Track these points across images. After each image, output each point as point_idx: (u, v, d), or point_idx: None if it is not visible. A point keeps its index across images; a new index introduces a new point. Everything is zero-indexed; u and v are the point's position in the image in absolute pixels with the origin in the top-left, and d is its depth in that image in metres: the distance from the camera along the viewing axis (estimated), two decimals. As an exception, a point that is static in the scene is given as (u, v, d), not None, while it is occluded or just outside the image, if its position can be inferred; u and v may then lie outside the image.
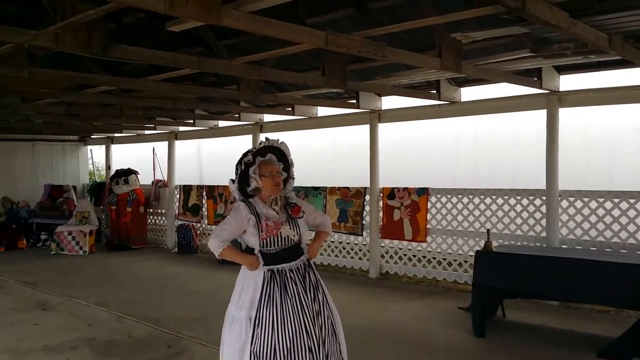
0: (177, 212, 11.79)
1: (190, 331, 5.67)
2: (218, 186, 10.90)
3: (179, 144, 12.13)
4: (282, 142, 3.55)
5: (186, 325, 5.91)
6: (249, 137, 10.31)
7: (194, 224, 11.34)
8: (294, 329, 3.27)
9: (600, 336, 5.26)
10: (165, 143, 12.16)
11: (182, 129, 11.71)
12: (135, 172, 12.14)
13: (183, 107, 8.55)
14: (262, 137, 3.57)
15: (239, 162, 3.43)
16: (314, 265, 3.61)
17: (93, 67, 5.84)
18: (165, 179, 12.22)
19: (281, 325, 3.25)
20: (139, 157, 13.46)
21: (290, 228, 3.42)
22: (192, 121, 10.68)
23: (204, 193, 11.19)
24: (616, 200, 6.40)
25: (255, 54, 5.03)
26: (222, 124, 10.89)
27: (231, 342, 3.35)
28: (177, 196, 11.84)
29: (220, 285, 8.05)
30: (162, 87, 6.22)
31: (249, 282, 3.37)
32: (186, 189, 11.61)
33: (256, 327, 3.27)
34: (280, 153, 3.54)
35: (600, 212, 6.51)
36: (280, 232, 3.36)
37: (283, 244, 3.39)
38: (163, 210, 12.28)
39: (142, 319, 6.16)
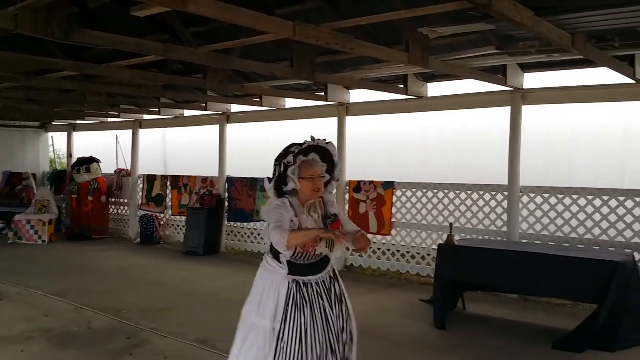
0: (140, 202, 11.59)
1: (152, 322, 5.59)
2: (183, 176, 10.76)
3: (143, 133, 11.88)
4: (329, 142, 3.21)
5: (147, 316, 5.83)
6: (216, 128, 10.21)
7: (157, 214, 11.17)
8: (319, 346, 3.07)
9: (557, 328, 5.39)
10: (130, 131, 11.92)
11: (146, 117, 11.49)
12: (97, 161, 11.88)
13: (148, 95, 8.38)
14: (308, 136, 3.20)
15: (278, 162, 3.11)
16: (338, 274, 3.38)
17: (55, 52, 5.66)
18: (129, 168, 11.98)
19: (308, 341, 3.05)
20: (102, 145, 13.16)
21: (327, 246, 3.17)
22: (157, 109, 10.50)
23: (169, 183, 11.03)
24: (575, 197, 6.58)
25: (222, 43, 4.97)
26: (188, 113, 10.73)
27: (250, 350, 3.13)
28: (141, 186, 11.65)
29: (183, 277, 7.99)
30: (126, 73, 6.09)
31: (271, 289, 3.13)
32: (150, 179, 11.42)
33: (280, 340, 3.05)
34: (325, 153, 3.21)
35: (560, 208, 6.68)
36: (316, 250, 3.13)
37: (314, 259, 3.18)
38: (126, 200, 12.06)
39: (101, 310, 6.05)
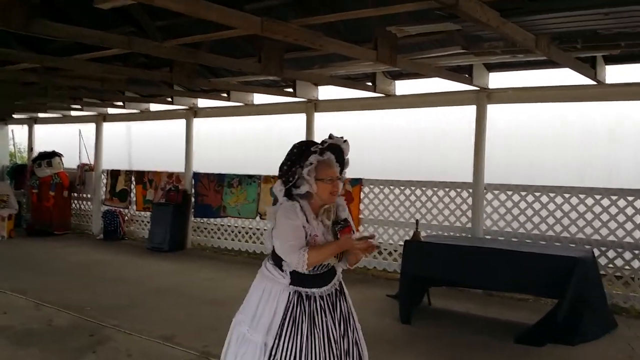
0: (103, 197, 11.37)
1: (115, 320, 5.49)
2: (148, 171, 10.59)
3: (107, 127, 11.64)
4: (345, 141, 2.85)
5: (111, 313, 5.72)
6: (183, 122, 10.07)
7: (121, 209, 10.98)
8: None
9: (519, 323, 5.51)
10: (93, 125, 11.64)
11: (110, 111, 11.26)
12: (59, 155, 11.59)
13: (112, 89, 8.21)
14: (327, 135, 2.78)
15: (294, 161, 2.77)
16: (345, 289, 3.04)
17: (12, 43, 5.49)
18: (92, 162, 11.72)
19: None
20: (64, 139, 12.85)
21: (335, 256, 2.84)
22: (121, 103, 10.28)
23: (133, 178, 10.84)
24: (537, 194, 6.73)
25: (189, 37, 4.89)
26: (153, 107, 10.56)
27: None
28: (104, 181, 11.42)
29: (148, 273, 7.88)
30: (89, 66, 5.95)
31: (268, 300, 2.80)
32: (114, 174, 11.20)
33: (272, 358, 2.70)
34: (339, 153, 2.85)
35: (523, 205, 6.83)
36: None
37: (321, 269, 2.84)
38: (89, 195, 11.82)
39: (63, 307, 5.90)
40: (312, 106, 8.37)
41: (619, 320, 5.59)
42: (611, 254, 6.27)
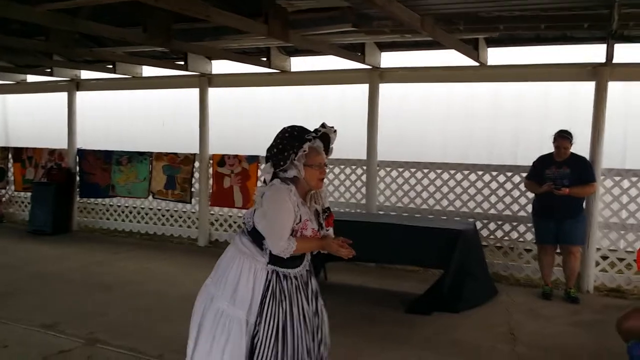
0: (-23, 176, 10.37)
1: (-9, 309, 5.09)
2: (27, 148, 9.77)
3: (-22, 99, 10.61)
4: (335, 130, 2.89)
5: (-16, 303, 5.28)
6: (64, 95, 9.36)
7: (-2, 190, 10.09)
8: (296, 346, 2.82)
9: (409, 293, 5.75)
10: (-39, 97, 10.57)
11: (-19, 82, 10.23)
12: None
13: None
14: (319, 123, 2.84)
15: (285, 145, 2.77)
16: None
17: None
18: (-38, 138, 10.66)
19: (287, 339, 2.79)
20: None
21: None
22: (-6, 74, 9.38)
23: (10, 155, 9.97)
24: (426, 171, 7.03)
25: (64, 2, 4.49)
26: (31, 78, 9.71)
27: (221, 339, 2.78)
28: (-23, 159, 10.41)
29: (28, 258, 7.34)
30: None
31: (249, 277, 2.81)
32: (-12, 151, 10.24)
33: (255, 337, 2.76)
34: (326, 141, 2.89)
35: (412, 181, 7.10)
36: None
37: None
38: (-41, 175, 10.73)
39: None
40: (206, 81, 8.10)
41: (499, 287, 6.00)
42: (492, 226, 6.71)
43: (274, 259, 2.82)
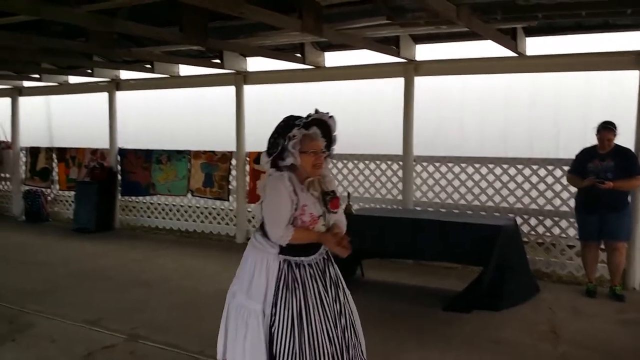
0: (23, 176, 10.73)
1: (37, 305, 5.24)
2: (70, 148, 10.06)
3: (23, 101, 10.93)
4: (331, 116, 2.97)
5: (32, 298, 5.46)
6: (105, 95, 9.58)
7: (43, 189, 10.41)
8: (316, 332, 2.84)
9: (448, 290, 5.66)
10: (8, 100, 10.90)
11: (26, 84, 10.55)
12: (-28, 132, 10.83)
13: (25, 60, 7.66)
14: (312, 109, 2.93)
15: (280, 134, 2.87)
16: (332, 256, 3.11)
17: None
18: (9, 140, 11.01)
19: (304, 327, 2.82)
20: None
21: (324, 224, 2.95)
22: (38, 76, 9.66)
23: (54, 156, 10.28)
24: (463, 165, 6.90)
25: (103, 3, 4.57)
26: (73, 79, 9.97)
27: (241, 331, 2.89)
28: (24, 159, 10.76)
29: (72, 255, 7.56)
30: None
31: (261, 270, 2.90)
32: (33, 152, 10.58)
33: (272, 326, 2.83)
34: (325, 127, 2.97)
35: (450, 176, 6.98)
36: (314, 228, 2.90)
37: None
38: (7, 175, 11.13)
39: (-22, 294, 5.57)
40: (241, 78, 8.16)
41: (541, 285, 5.84)
42: (533, 221, 6.53)
43: (285, 249, 2.88)
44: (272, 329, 2.83)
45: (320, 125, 2.93)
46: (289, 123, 2.87)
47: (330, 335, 2.90)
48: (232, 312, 2.95)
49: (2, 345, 4.31)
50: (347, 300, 3.09)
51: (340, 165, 7.75)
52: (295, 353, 2.79)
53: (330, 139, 3.00)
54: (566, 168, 5.95)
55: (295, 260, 2.90)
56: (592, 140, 5.52)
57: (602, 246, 5.66)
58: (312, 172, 2.91)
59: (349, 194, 6.66)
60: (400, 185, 7.24)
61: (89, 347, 4.27)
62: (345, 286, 3.11)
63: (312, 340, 2.83)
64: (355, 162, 7.63)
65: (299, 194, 2.85)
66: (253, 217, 8.43)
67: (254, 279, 2.90)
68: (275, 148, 2.86)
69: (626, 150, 5.44)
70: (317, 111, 2.91)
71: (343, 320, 2.99)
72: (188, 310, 5.19)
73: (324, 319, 2.89)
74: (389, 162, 7.37)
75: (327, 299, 2.94)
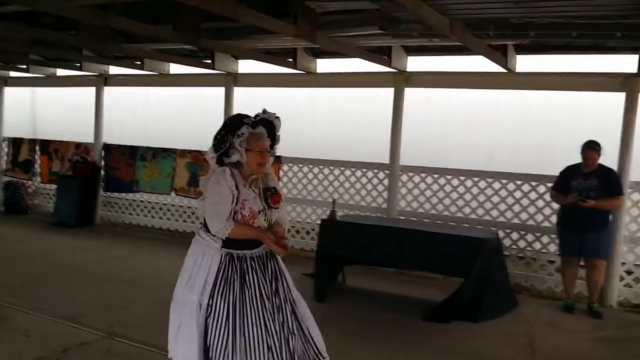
0: (5, 167, 10.58)
1: (14, 298, 5.17)
2: (54, 141, 9.95)
3: (8, 91, 10.79)
4: (277, 117, 3.05)
5: (9, 291, 5.38)
6: (92, 90, 9.50)
7: (24, 181, 10.28)
8: (251, 323, 2.91)
9: (428, 301, 5.68)
10: (-7, 89, 10.76)
11: (12, 74, 10.42)
12: (-47, 121, 10.64)
13: (13, 50, 7.56)
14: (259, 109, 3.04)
15: (227, 131, 2.95)
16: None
17: None
18: (-8, 130, 10.86)
19: (238, 318, 2.89)
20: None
21: (265, 219, 3.02)
22: (25, 66, 9.54)
23: (37, 148, 10.16)
24: (449, 177, 6.95)
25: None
26: (61, 72, 9.86)
27: (175, 323, 2.99)
28: (5, 150, 10.61)
29: (52, 249, 7.46)
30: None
31: (202, 263, 2.98)
32: (16, 142, 10.44)
33: (208, 316, 2.90)
34: (271, 128, 3.02)
35: (435, 187, 7.03)
36: (253, 223, 2.96)
37: None
38: (-12, 165, 10.97)
39: (-48, 285, 5.47)
40: (232, 79, 8.14)
41: (521, 299, 5.90)
42: (515, 236, 6.60)
43: (228, 242, 2.96)
44: (208, 320, 2.90)
45: (267, 125, 3.00)
46: (237, 121, 2.97)
47: (268, 326, 2.94)
48: (172, 307, 3.04)
49: (-25, 338, 4.24)
50: (291, 294, 3.15)
51: (326, 171, 7.76)
52: (229, 343, 2.86)
53: (274, 139, 3.06)
54: (550, 184, 6.03)
55: (237, 254, 2.98)
56: (576, 158, 5.60)
57: (582, 263, 5.74)
58: (257, 169, 2.99)
59: (334, 200, 6.68)
60: (385, 194, 7.27)
61: (65, 343, 4.21)
62: (290, 281, 3.17)
63: (246, 332, 2.89)
64: (342, 168, 7.65)
65: (240, 189, 2.93)
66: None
67: (194, 272, 2.98)
68: (223, 144, 2.95)
69: (609, 170, 5.54)
70: (265, 111, 3.01)
71: (282, 315, 3.05)
72: (167, 309, 5.13)
73: (262, 311, 2.94)
74: (375, 171, 7.40)
75: (266, 292, 3.00)
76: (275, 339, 2.94)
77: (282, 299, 3.08)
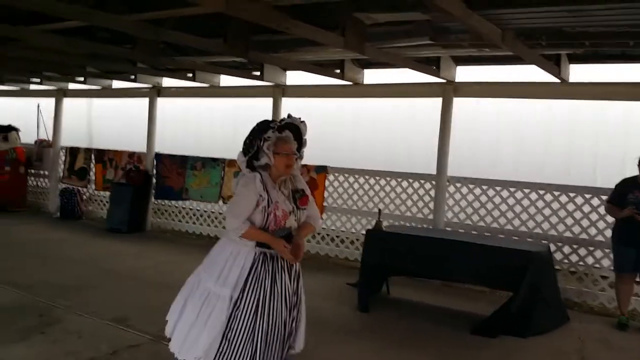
0: (61, 174, 11.04)
1: (67, 300, 5.35)
2: (109, 150, 10.32)
3: (67, 102, 11.27)
4: (303, 121, 3.24)
5: (63, 294, 5.57)
6: (146, 101, 9.82)
7: (80, 188, 10.68)
8: (275, 319, 3.11)
9: (475, 314, 5.58)
10: (52, 100, 11.24)
11: (71, 86, 10.89)
12: (16, 129, 11.17)
13: (72, 63, 7.91)
14: (285, 113, 3.25)
15: (255, 136, 3.11)
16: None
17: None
18: (50, 138, 11.35)
19: (265, 312, 3.07)
20: (21, 113, 12.39)
21: (295, 220, 3.19)
22: (82, 79, 9.96)
23: (93, 156, 10.55)
24: (498, 188, 6.81)
25: (151, 12, 4.72)
26: (116, 84, 10.25)
27: (206, 311, 3.12)
28: (63, 158, 11.07)
29: (104, 254, 7.70)
30: (48, 38, 5.69)
31: (235, 260, 3.13)
32: (73, 151, 10.87)
33: (236, 308, 3.08)
34: (297, 132, 3.21)
35: (483, 198, 6.91)
36: (285, 223, 3.13)
37: (283, 231, 3.18)
38: (46, 172, 11.47)
39: (11, 285, 5.71)
40: (280, 91, 8.26)
41: (572, 314, 5.72)
42: (567, 249, 6.40)
43: (262, 242, 3.11)
44: (235, 311, 3.07)
45: (293, 129, 3.16)
46: (264, 126, 3.12)
47: (286, 322, 3.18)
48: (197, 294, 3.18)
49: (30, 337, 4.40)
50: (303, 295, 3.36)
51: (372, 181, 7.75)
52: (253, 331, 3.05)
53: (301, 142, 3.23)
54: (604, 197, 5.83)
55: (270, 252, 3.12)
56: (631, 170, 5.40)
57: (638, 279, 5.52)
58: (284, 171, 3.15)
59: (380, 210, 6.66)
60: (431, 205, 7.19)
61: (115, 345, 4.33)
62: (302, 278, 3.37)
63: (269, 325, 3.08)
64: (388, 179, 7.62)
65: (270, 192, 3.09)
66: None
67: (227, 268, 3.13)
68: (252, 148, 3.11)
69: (668, 182, 5.32)
70: (289, 116, 3.20)
71: (295, 312, 3.27)
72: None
73: (284, 308, 3.15)
74: (422, 181, 7.33)
75: (289, 291, 3.20)
76: (287, 334, 3.21)
77: (299, 298, 3.30)
